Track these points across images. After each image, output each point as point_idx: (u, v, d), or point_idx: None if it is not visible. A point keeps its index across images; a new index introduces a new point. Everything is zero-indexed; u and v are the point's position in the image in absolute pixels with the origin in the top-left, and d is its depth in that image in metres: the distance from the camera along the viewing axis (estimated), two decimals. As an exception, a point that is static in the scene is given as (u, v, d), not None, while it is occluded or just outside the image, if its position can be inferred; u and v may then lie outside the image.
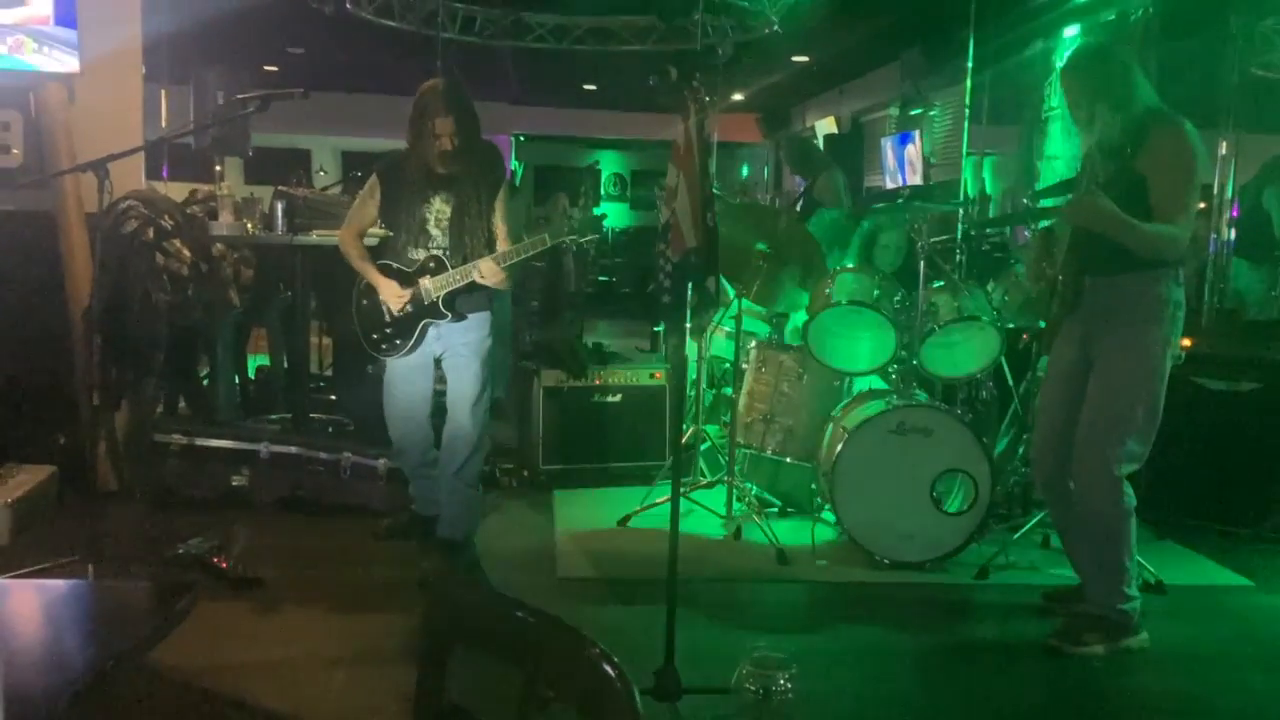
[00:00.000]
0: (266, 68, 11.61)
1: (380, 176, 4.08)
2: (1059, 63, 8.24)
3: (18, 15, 4.82)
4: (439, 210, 3.98)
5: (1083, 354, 3.68)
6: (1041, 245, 4.12)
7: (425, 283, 3.99)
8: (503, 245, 3.98)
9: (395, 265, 4.03)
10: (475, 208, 3.96)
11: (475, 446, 4.08)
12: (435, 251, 3.99)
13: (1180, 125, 3.49)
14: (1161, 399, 3.55)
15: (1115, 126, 3.51)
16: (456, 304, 4.01)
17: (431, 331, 4.05)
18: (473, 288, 3.98)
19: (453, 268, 3.96)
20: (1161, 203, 3.43)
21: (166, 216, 4.92)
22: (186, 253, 4.96)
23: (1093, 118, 3.57)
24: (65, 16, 4.86)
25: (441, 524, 4.15)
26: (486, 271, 3.90)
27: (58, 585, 2.25)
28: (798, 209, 6.65)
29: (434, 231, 3.99)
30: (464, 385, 4.05)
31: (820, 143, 12.39)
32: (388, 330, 4.06)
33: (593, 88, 13.86)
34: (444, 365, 4.11)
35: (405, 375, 4.12)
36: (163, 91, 7.22)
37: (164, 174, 6.85)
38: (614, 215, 18.61)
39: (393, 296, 4.00)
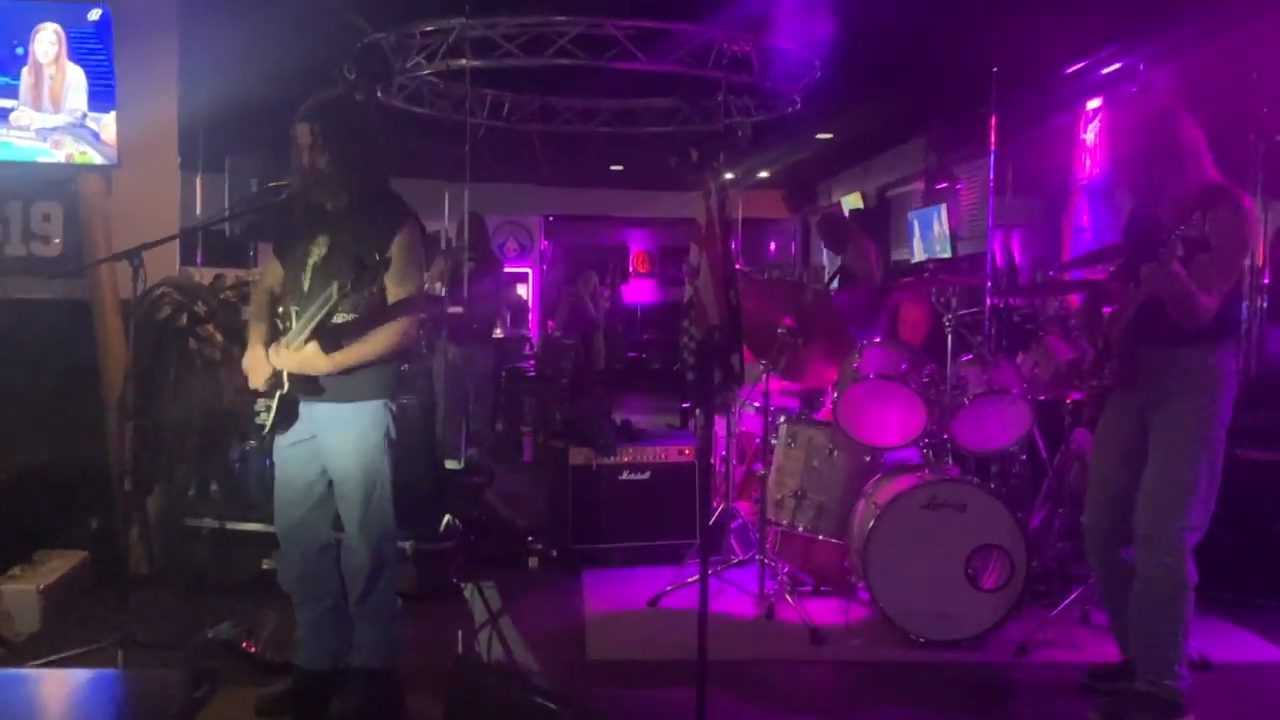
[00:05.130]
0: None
1: (276, 214, 3.52)
2: (1088, 135, 8.29)
3: (59, 120, 4.95)
4: (318, 256, 3.32)
5: (1140, 423, 3.64)
6: (1089, 304, 4.11)
7: (273, 349, 3.30)
8: (394, 312, 3.29)
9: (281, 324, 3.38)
10: (353, 254, 3.17)
11: (374, 571, 3.40)
12: (296, 308, 3.29)
13: (1239, 199, 3.49)
14: (1219, 469, 3.53)
15: (1177, 197, 3.51)
16: (312, 381, 3.29)
17: (305, 411, 3.38)
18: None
19: (292, 333, 3.26)
20: (1207, 269, 3.40)
21: (200, 302, 5.01)
22: (219, 337, 5.02)
23: (1146, 179, 3.59)
24: (100, 105, 4.98)
25: (357, 652, 3.49)
26: (309, 354, 3.22)
27: (83, 675, 2.24)
28: (833, 283, 6.68)
29: (305, 281, 3.31)
30: (344, 491, 3.39)
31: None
32: (256, 400, 3.41)
33: (619, 168, 14.05)
34: (323, 459, 3.42)
35: (283, 456, 3.45)
36: (198, 178, 7.38)
37: (198, 260, 6.97)
38: (642, 293, 18.76)
39: (249, 361, 3.37)
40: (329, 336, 3.24)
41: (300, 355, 3.22)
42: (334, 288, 3.14)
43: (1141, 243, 3.63)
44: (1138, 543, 3.58)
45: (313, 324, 3.20)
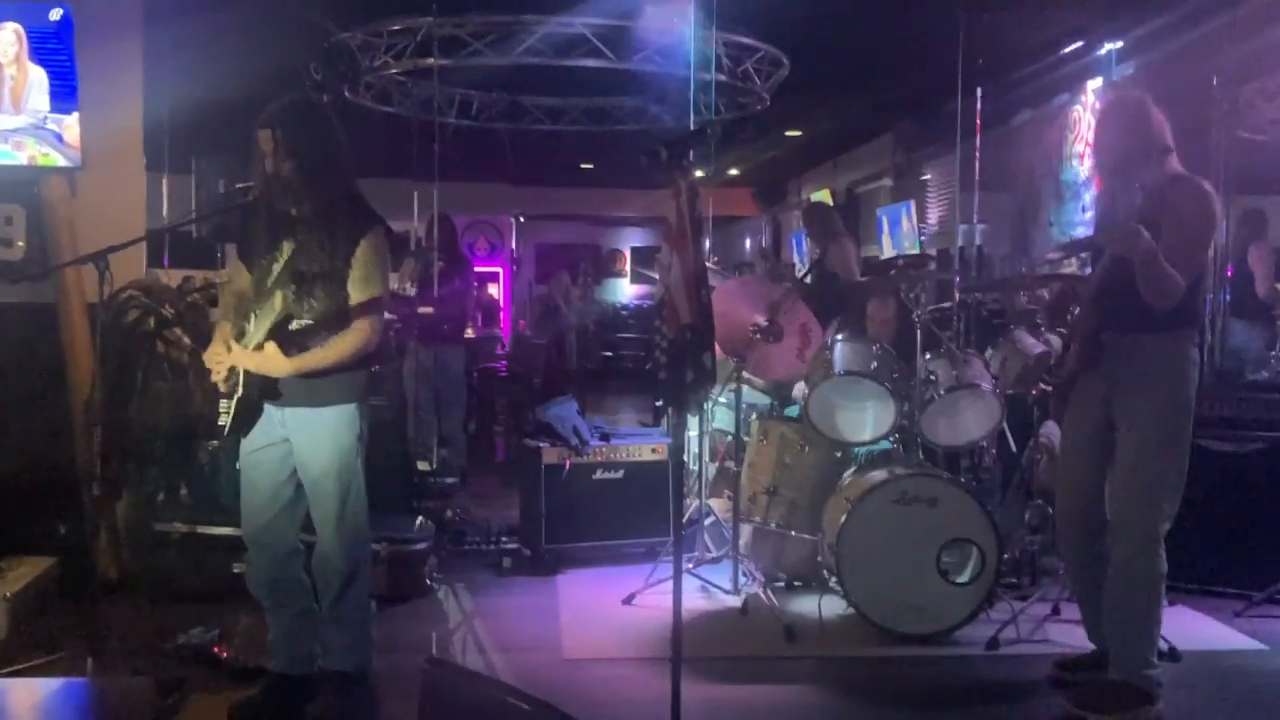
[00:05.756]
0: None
1: (240, 219, 3.49)
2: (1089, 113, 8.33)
3: (20, 121, 4.88)
4: (282, 262, 3.27)
5: (1105, 415, 3.67)
6: (1057, 299, 4.15)
7: (235, 347, 3.26)
8: (356, 317, 3.27)
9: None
10: (316, 260, 3.22)
11: (348, 575, 3.38)
12: (257, 312, 3.26)
13: (1200, 186, 3.56)
14: (1187, 458, 3.59)
15: (1143, 187, 3.56)
16: (273, 387, 3.24)
17: (275, 414, 3.34)
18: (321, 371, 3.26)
19: (250, 334, 3.24)
20: (1170, 254, 3.44)
21: (167, 305, 4.96)
22: (187, 340, 4.98)
23: (1121, 166, 3.64)
24: (62, 106, 4.91)
25: (329, 656, 3.47)
26: (268, 354, 3.18)
27: (52, 685, 2.22)
28: (808, 278, 6.69)
29: (269, 287, 3.28)
30: (317, 496, 3.36)
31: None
32: (221, 401, 3.33)
33: (590, 166, 14.05)
34: (295, 464, 3.39)
35: (250, 460, 3.40)
36: (164, 180, 7.31)
37: (165, 262, 6.90)
38: (615, 292, 18.73)
39: (209, 356, 3.32)
40: (288, 339, 3.21)
41: (259, 356, 3.20)
42: (277, 297, 3.15)
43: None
44: (1110, 534, 3.63)
45: (268, 325, 3.19)
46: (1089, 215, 7.86)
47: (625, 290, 18.59)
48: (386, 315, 6.11)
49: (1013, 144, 8.99)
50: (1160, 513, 3.54)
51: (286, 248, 3.25)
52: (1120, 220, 3.62)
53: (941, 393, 4.51)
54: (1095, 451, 3.71)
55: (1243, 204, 7.20)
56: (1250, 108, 7.41)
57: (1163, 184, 3.57)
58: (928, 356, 4.61)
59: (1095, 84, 7.90)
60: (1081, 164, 8.07)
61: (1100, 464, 3.70)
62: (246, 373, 3.25)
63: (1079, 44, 7.55)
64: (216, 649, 3.92)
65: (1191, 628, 4.47)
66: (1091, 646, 3.91)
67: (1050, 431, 4.85)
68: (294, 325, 3.25)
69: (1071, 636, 4.21)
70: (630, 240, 18.77)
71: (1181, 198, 3.53)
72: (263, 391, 3.28)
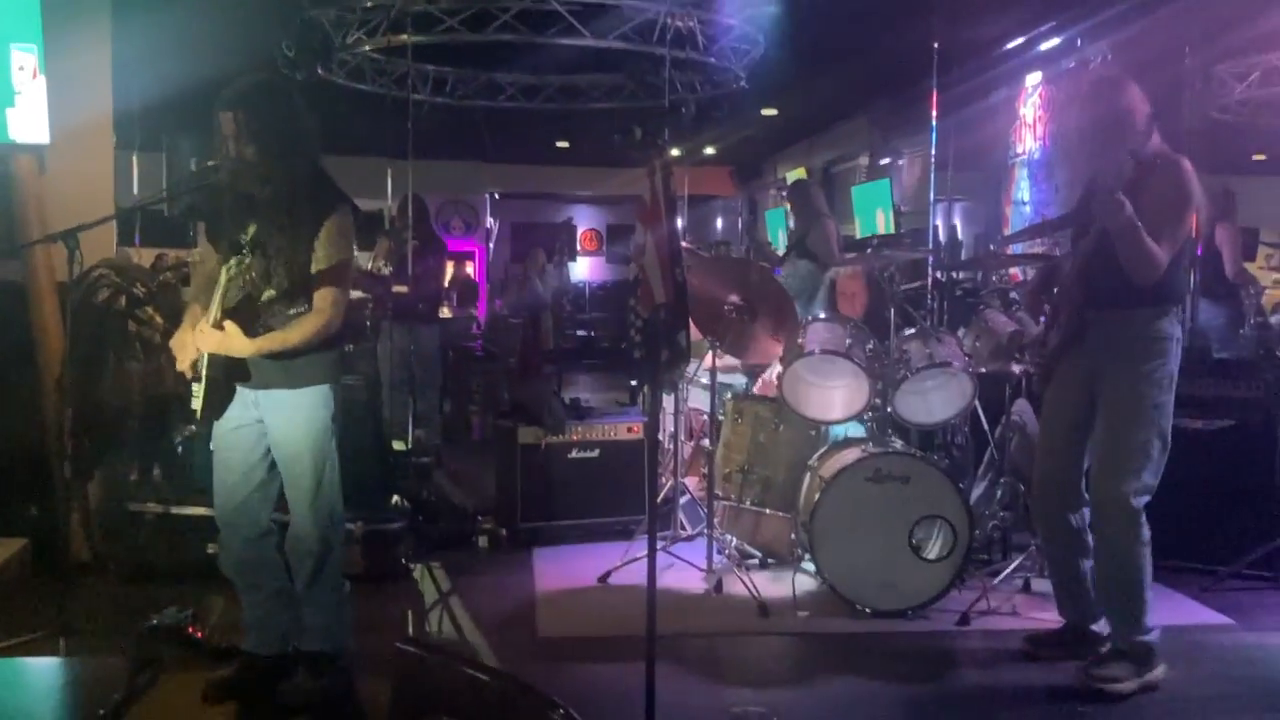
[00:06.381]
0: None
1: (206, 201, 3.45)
2: (1026, 109, 8.39)
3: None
4: (248, 241, 3.24)
5: (1087, 390, 3.72)
6: (1042, 278, 4.17)
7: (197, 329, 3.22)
8: (319, 298, 3.25)
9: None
10: (280, 241, 3.21)
11: (321, 555, 3.39)
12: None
13: (1180, 163, 3.59)
14: (1169, 432, 3.64)
15: (1123, 164, 3.56)
16: (239, 368, 3.24)
17: (248, 395, 3.32)
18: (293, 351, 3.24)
19: (216, 315, 3.19)
20: (1150, 230, 3.47)
21: (139, 284, 4.92)
22: (159, 320, 4.95)
23: (1102, 146, 3.64)
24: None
25: (304, 636, 3.48)
26: (229, 334, 3.15)
27: (24, 665, 2.22)
28: (785, 256, 6.69)
29: (232, 266, 3.24)
30: (292, 476, 3.36)
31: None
32: (193, 384, 3.30)
33: (565, 145, 14.00)
34: (270, 445, 3.38)
35: (223, 441, 3.39)
36: (134, 157, 7.24)
37: (136, 241, 6.84)
38: (590, 270, 18.71)
39: (175, 342, 3.30)
40: (251, 320, 3.19)
41: (219, 336, 3.16)
42: (232, 268, 3.14)
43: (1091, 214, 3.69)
44: (1092, 509, 3.68)
45: (225, 301, 3.16)
46: (1060, 195, 7.91)
47: (601, 269, 18.57)
48: (361, 294, 6.13)
49: (987, 124, 9.02)
50: (1141, 484, 3.60)
51: (251, 229, 3.22)
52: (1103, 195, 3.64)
53: (914, 371, 4.54)
54: (1076, 427, 3.76)
55: (1212, 184, 7.26)
56: (1221, 88, 7.48)
57: (1144, 161, 3.58)
58: (901, 335, 4.63)
59: (1069, 64, 7.94)
60: (1051, 144, 8.11)
61: (1080, 440, 3.75)
62: (211, 355, 3.22)
63: (1052, 24, 7.58)
64: (190, 629, 3.90)
65: (1159, 603, 4.49)
66: (1063, 621, 3.97)
67: (1022, 410, 4.90)
68: (259, 303, 3.22)
69: (1041, 611, 4.26)
70: (606, 219, 18.74)
71: (1162, 175, 3.56)
72: (229, 373, 3.25)
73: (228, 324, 3.16)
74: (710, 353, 4.94)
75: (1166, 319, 3.65)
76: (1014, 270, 6.59)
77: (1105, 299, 3.65)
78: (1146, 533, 3.64)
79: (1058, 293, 3.93)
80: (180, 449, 5.95)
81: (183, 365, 3.27)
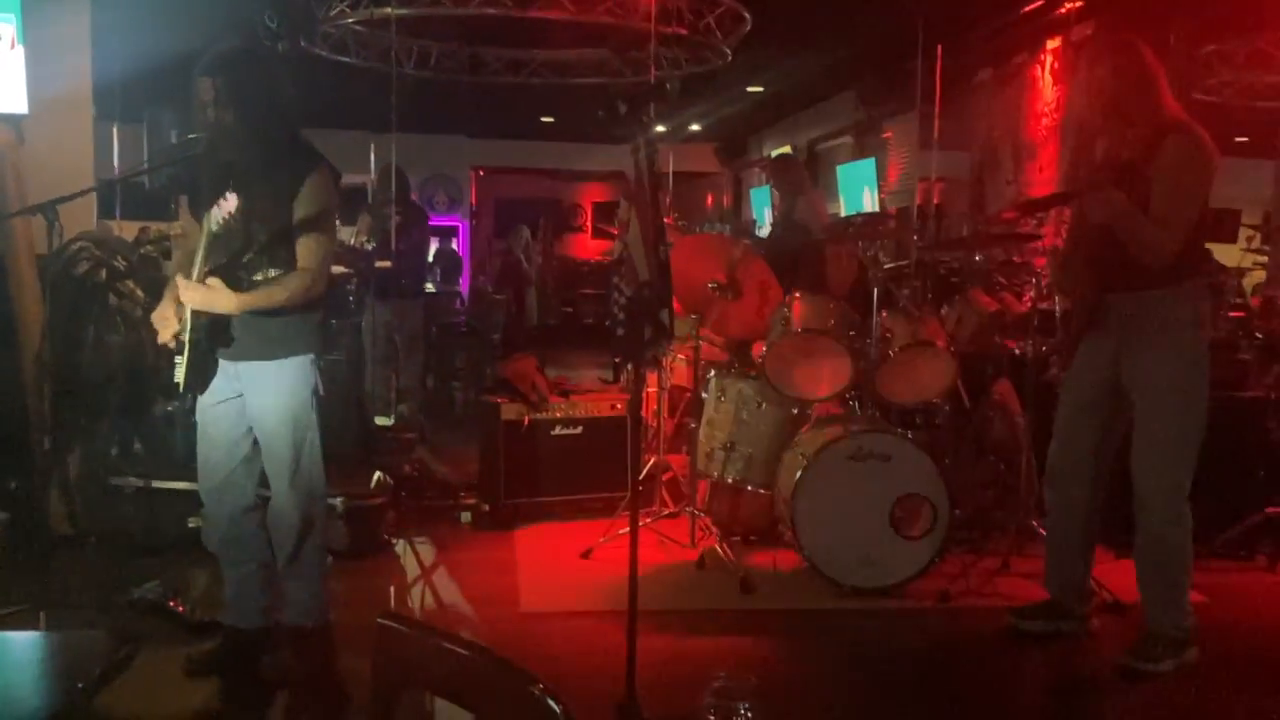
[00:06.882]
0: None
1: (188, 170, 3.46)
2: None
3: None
4: (227, 210, 3.20)
5: (1113, 373, 3.66)
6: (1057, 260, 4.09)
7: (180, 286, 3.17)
8: (303, 257, 3.24)
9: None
10: (261, 204, 3.20)
11: (303, 530, 3.39)
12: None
13: (1197, 135, 3.48)
14: (1204, 412, 3.58)
15: (1136, 129, 3.51)
16: (222, 333, 3.22)
17: (230, 369, 3.31)
18: (272, 320, 3.24)
19: (200, 272, 3.16)
20: (1159, 207, 3.43)
21: (119, 257, 4.89)
22: (140, 293, 4.92)
23: (1114, 106, 3.57)
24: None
25: (286, 611, 3.49)
26: (214, 287, 3.12)
27: (3, 638, 2.21)
28: (773, 231, 6.68)
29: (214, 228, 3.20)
30: (272, 450, 3.35)
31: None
32: (176, 356, 3.27)
33: (551, 120, 13.93)
34: (249, 419, 3.37)
35: (207, 416, 3.37)
36: (114, 129, 7.17)
37: (117, 214, 6.79)
38: (575, 247, 18.66)
39: (156, 315, 3.28)
40: (235, 280, 3.17)
41: (205, 292, 3.13)
42: (213, 224, 3.12)
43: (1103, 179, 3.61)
44: (1136, 500, 3.63)
45: (210, 257, 3.14)
46: (1045, 175, 7.92)
47: (586, 245, 18.52)
48: (344, 269, 6.09)
49: (973, 103, 9.01)
50: (1182, 472, 3.56)
51: (232, 196, 3.20)
52: (1103, 173, 3.57)
53: (897, 350, 4.55)
54: (1098, 408, 3.72)
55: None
56: (1207, 70, 7.48)
57: (1159, 127, 3.50)
58: (884, 314, 4.64)
59: (1054, 43, 7.94)
60: (1040, 123, 8.12)
61: (1103, 420, 3.71)
62: (194, 316, 3.20)
63: (1040, 3, 7.57)
64: (172, 603, 3.91)
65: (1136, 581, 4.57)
66: (1048, 595, 3.99)
67: (1003, 389, 4.92)
68: (242, 262, 3.21)
69: (1021, 590, 4.29)
70: (591, 195, 18.68)
71: (1175, 147, 3.45)
72: (211, 336, 3.23)
73: (212, 279, 3.14)
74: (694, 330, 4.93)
75: (1191, 296, 3.55)
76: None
77: (1124, 281, 3.55)
78: (1189, 520, 3.61)
79: (1069, 275, 3.83)
80: (161, 423, 5.94)
81: (165, 338, 3.26)
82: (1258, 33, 7.29)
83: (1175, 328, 3.55)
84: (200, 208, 3.30)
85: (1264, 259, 6.88)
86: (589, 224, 18.70)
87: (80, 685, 1.60)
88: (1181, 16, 6.27)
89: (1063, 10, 7.50)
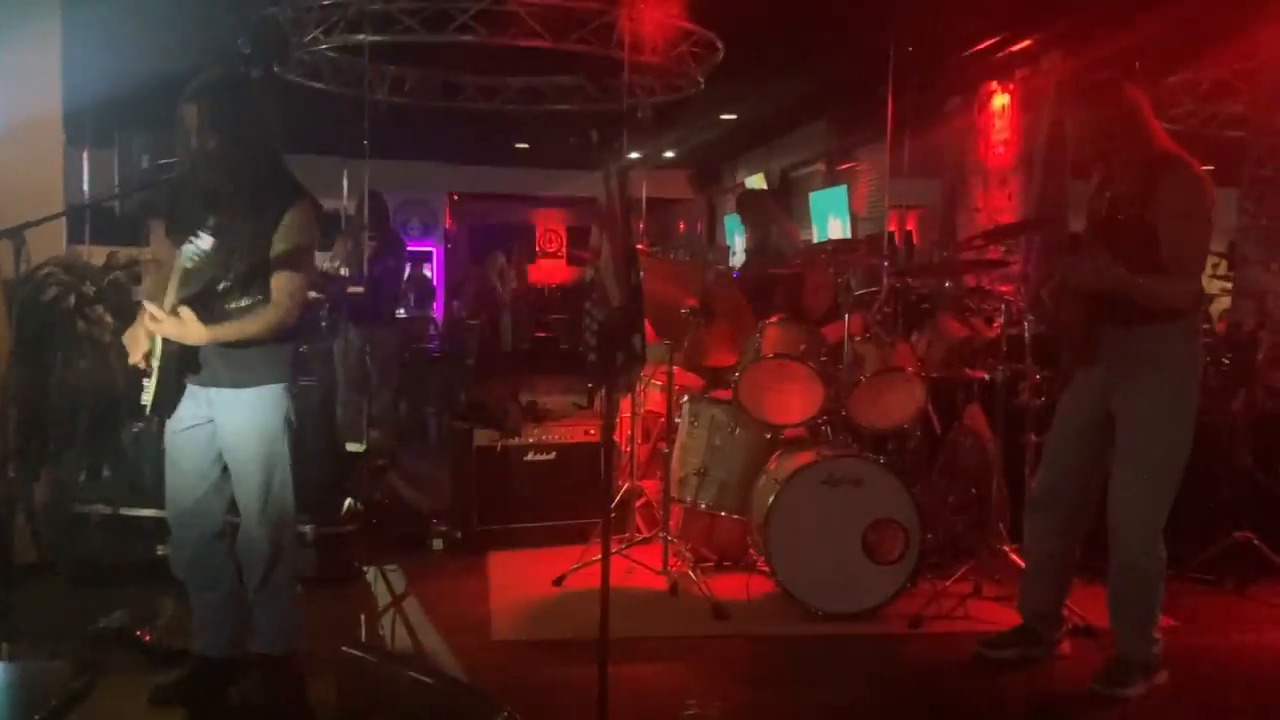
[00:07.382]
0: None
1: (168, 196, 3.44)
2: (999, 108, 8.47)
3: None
4: (204, 249, 3.15)
5: (1100, 404, 3.66)
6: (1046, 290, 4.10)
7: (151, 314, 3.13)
8: (278, 290, 3.20)
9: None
10: (241, 232, 3.18)
11: (272, 558, 3.36)
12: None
13: (1194, 172, 3.48)
14: (1188, 447, 3.58)
15: (1128, 167, 3.52)
16: (191, 361, 3.20)
17: (201, 394, 3.29)
18: (245, 349, 3.21)
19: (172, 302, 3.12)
20: (1173, 255, 3.43)
21: (88, 282, 4.85)
22: (109, 319, 4.88)
23: (1104, 148, 3.59)
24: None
25: (254, 639, 3.46)
26: (185, 320, 3.08)
27: (-38, 667, 2.18)
28: (747, 260, 6.71)
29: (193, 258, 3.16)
30: (242, 477, 3.32)
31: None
32: (144, 380, 3.25)
33: (525, 146, 13.96)
34: (220, 445, 3.34)
35: (176, 441, 3.35)
36: (85, 154, 7.13)
37: (86, 239, 6.74)
38: (549, 272, 18.67)
39: (128, 335, 3.25)
40: (208, 310, 3.15)
41: (175, 323, 3.10)
42: (180, 257, 3.09)
43: (1098, 221, 3.63)
44: (1110, 531, 3.64)
45: (178, 290, 3.12)
46: (1013, 203, 8.00)
47: (562, 270, 18.53)
48: (316, 295, 6.07)
49: (942, 131, 9.11)
50: (1160, 507, 3.58)
51: (208, 237, 3.16)
52: (1107, 209, 3.57)
53: (868, 375, 4.57)
54: (1091, 437, 3.71)
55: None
56: (1172, 100, 7.60)
57: (1151, 161, 3.51)
58: (855, 339, 4.67)
59: (1022, 72, 8.04)
60: (1009, 150, 8.20)
61: (1095, 449, 3.70)
62: (164, 345, 3.18)
63: (1010, 32, 7.66)
64: (139, 632, 3.85)
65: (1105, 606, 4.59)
66: (1020, 620, 4.00)
67: (974, 414, 4.95)
68: (216, 292, 3.19)
69: (992, 614, 4.31)
70: (565, 221, 18.71)
71: (1176, 187, 3.44)
72: (181, 364, 3.21)
73: (184, 310, 3.11)
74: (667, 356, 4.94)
75: (1186, 332, 3.55)
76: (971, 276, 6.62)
77: (1118, 315, 3.54)
78: (1162, 551, 3.62)
79: (1058, 306, 3.85)
80: (130, 449, 5.87)
81: (135, 358, 3.23)
82: (1221, 64, 7.42)
83: (1167, 363, 3.56)
84: (176, 234, 3.28)
85: (1229, 285, 6.96)
86: (564, 249, 18.72)
87: (36, 717, 1.58)
88: (1146, 47, 6.37)
89: (1029, 42, 7.60)
